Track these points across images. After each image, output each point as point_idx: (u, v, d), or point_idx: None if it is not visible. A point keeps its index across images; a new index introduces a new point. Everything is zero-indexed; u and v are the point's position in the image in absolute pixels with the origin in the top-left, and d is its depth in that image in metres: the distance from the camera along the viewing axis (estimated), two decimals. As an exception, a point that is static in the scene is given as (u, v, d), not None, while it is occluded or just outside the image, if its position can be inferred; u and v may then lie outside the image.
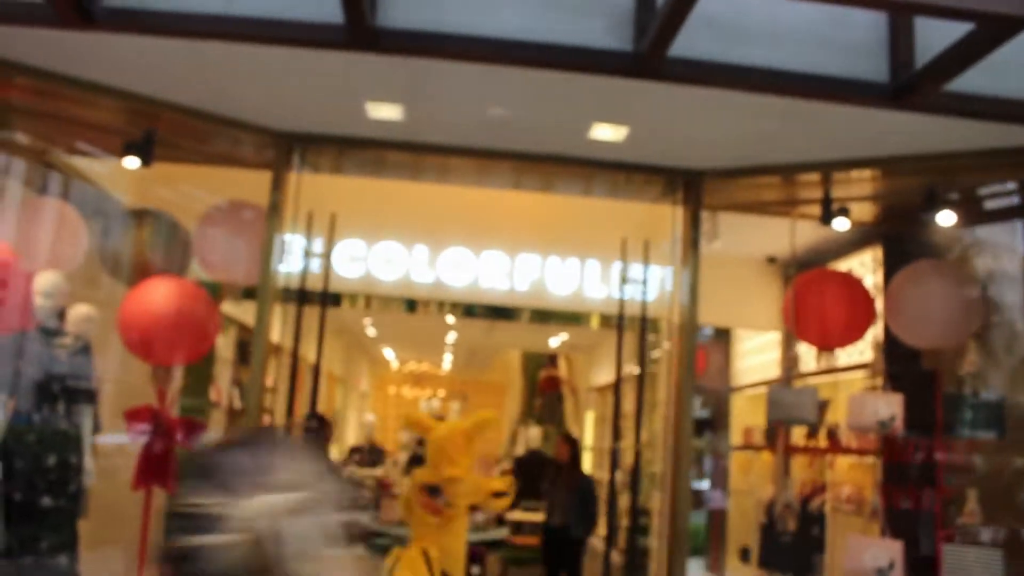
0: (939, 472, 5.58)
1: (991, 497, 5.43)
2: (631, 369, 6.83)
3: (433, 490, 6.24)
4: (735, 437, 9.31)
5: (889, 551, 5.19)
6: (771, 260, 7.93)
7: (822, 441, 7.22)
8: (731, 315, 8.36)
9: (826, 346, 5.83)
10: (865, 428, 5.44)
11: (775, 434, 8.21)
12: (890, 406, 5.33)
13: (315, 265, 6.73)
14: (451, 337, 17.28)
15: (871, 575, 5.21)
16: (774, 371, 8.50)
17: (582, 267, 7.64)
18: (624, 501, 7.67)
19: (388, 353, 23.06)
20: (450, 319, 13.15)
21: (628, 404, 7.09)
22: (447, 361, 24.52)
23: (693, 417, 5.47)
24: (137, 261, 5.67)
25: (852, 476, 6.78)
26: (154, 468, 5.38)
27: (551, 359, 17.88)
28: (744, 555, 9.08)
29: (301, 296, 6.29)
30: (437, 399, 21.01)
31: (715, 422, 10.18)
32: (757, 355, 9.04)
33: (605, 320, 7.87)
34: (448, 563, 6.28)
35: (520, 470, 9.91)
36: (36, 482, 4.94)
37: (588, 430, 16.27)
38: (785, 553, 5.57)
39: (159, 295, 5.27)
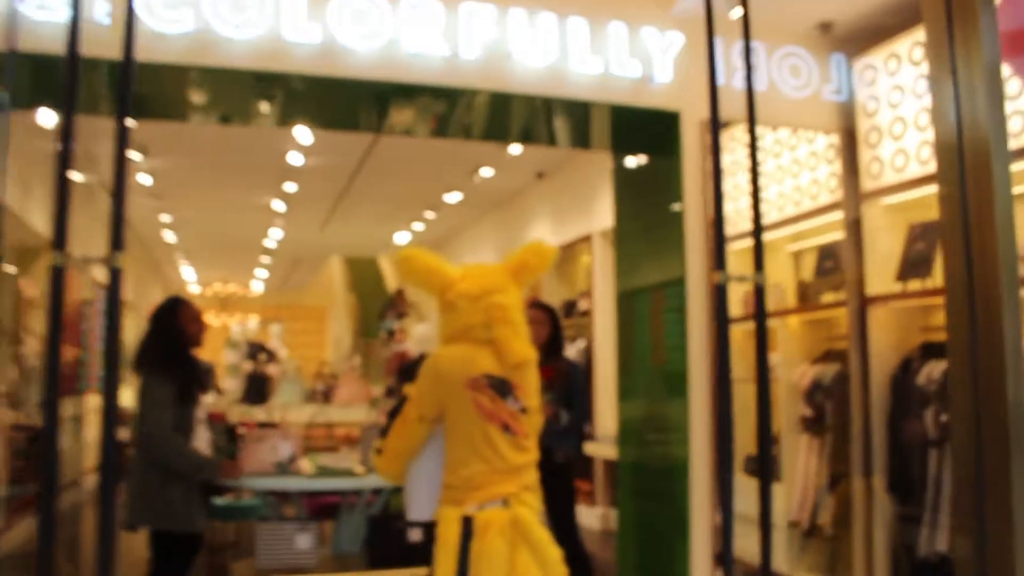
0: None
1: None
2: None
3: (501, 387, 3.04)
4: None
5: None
6: (824, 27, 5.35)
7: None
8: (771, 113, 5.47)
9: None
10: None
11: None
12: None
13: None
14: (274, 236, 14.01)
15: None
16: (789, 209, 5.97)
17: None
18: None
19: (188, 273, 19.29)
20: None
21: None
22: (259, 279, 21.14)
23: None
24: None
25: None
26: None
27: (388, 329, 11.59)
28: (749, 465, 6.61)
29: (72, 74, 2.95)
30: (252, 323, 17.60)
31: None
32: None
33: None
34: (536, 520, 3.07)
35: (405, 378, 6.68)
36: None
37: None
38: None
39: None
